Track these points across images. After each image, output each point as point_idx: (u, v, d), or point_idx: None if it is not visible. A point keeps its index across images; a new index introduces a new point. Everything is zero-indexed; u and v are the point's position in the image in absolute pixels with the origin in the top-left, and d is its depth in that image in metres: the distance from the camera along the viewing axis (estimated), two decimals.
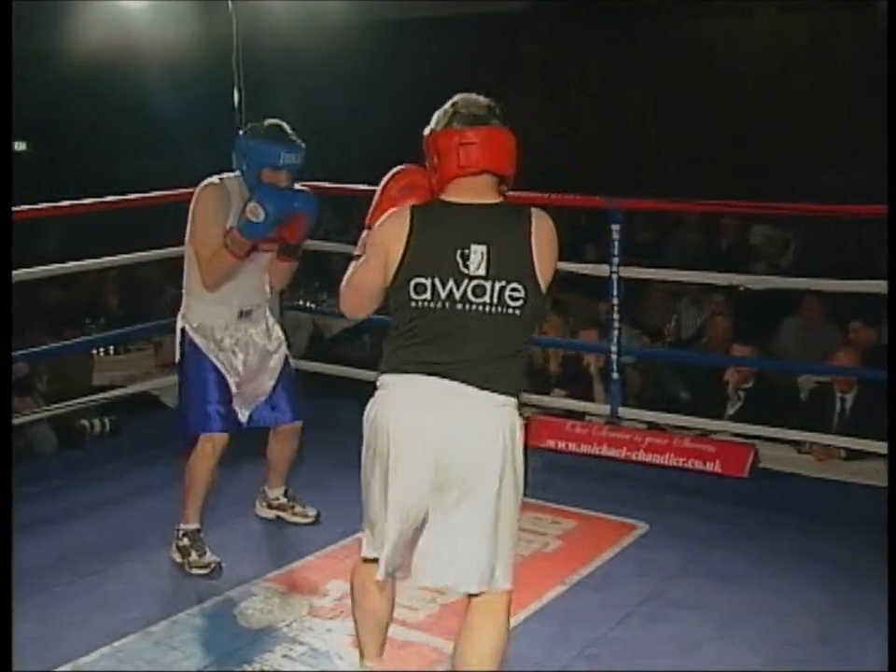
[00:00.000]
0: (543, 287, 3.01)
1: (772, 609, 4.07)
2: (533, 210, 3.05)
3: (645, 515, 4.91)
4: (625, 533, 4.75)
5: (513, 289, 2.95)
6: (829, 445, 5.57)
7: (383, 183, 3.25)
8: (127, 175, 12.27)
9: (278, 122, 4.33)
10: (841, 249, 9.19)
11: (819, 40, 11.74)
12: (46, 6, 12.46)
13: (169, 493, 5.03)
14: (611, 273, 5.70)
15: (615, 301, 5.73)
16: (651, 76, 12.63)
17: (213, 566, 4.34)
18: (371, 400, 3.11)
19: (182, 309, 4.47)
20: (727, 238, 10.10)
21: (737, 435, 5.71)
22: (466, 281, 2.95)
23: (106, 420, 6.17)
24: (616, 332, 5.78)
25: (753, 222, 10.02)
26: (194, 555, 4.37)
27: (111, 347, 7.55)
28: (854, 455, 5.51)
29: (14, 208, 5.65)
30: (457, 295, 2.95)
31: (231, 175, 4.36)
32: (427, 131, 3.10)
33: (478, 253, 2.95)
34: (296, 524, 4.85)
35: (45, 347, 6.30)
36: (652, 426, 5.94)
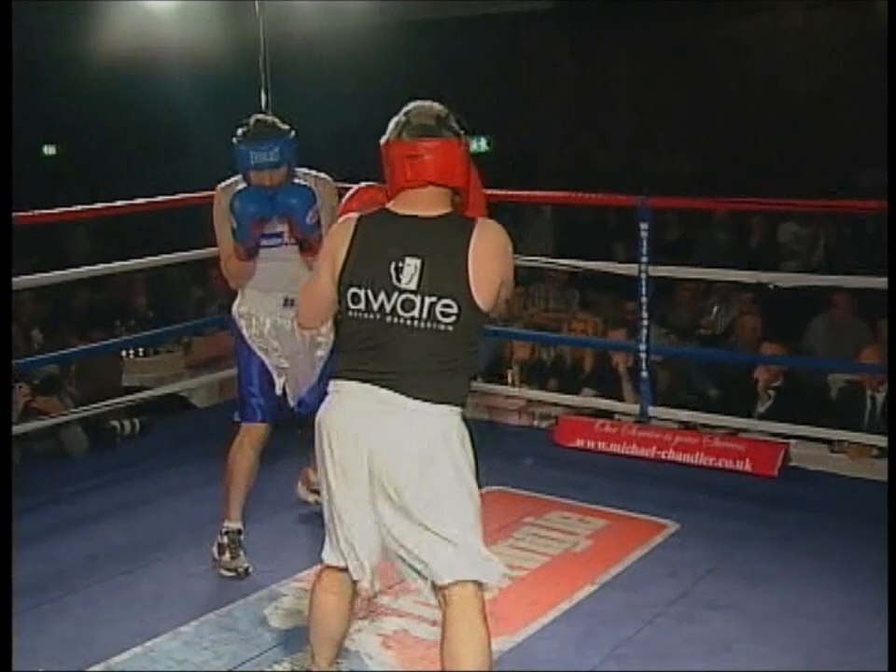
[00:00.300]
0: (482, 303, 2.95)
1: (803, 610, 4.04)
2: (479, 222, 3.00)
3: (675, 515, 4.89)
4: (655, 532, 4.74)
5: (445, 305, 2.92)
6: (860, 443, 5.53)
7: (342, 202, 3.30)
8: (154, 177, 12.31)
9: (260, 118, 4.29)
10: (875, 246, 9.13)
11: (852, 36, 11.67)
12: (73, 10, 12.55)
13: (199, 493, 5.07)
14: (640, 271, 5.68)
15: (644, 299, 5.71)
16: (681, 74, 12.59)
17: (240, 570, 4.35)
18: (322, 404, 3.13)
19: (237, 298, 4.53)
20: (756, 236, 10.06)
21: (768, 434, 5.68)
22: (396, 294, 2.94)
23: (137, 421, 6.21)
24: (645, 331, 5.76)
25: (782, 220, 9.97)
26: (227, 556, 4.38)
27: (140, 349, 7.59)
28: (886, 452, 5.47)
29: (43, 211, 5.74)
30: (388, 308, 2.95)
31: None
32: (382, 140, 3.08)
33: (411, 266, 2.93)
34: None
35: (74, 349, 6.34)
36: (682, 424, 5.91)
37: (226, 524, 4.41)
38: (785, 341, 6.58)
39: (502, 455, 5.68)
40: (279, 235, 4.33)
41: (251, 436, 4.42)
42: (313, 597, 3.24)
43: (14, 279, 6.51)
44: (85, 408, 5.85)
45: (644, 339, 5.78)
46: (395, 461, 2.94)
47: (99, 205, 5.89)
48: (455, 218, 3.01)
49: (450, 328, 2.92)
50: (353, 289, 2.99)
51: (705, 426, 5.86)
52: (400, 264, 2.94)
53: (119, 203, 5.93)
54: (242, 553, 4.39)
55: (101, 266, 6.06)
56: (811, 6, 11.99)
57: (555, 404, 6.40)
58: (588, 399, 6.37)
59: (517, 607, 4.08)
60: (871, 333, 6.93)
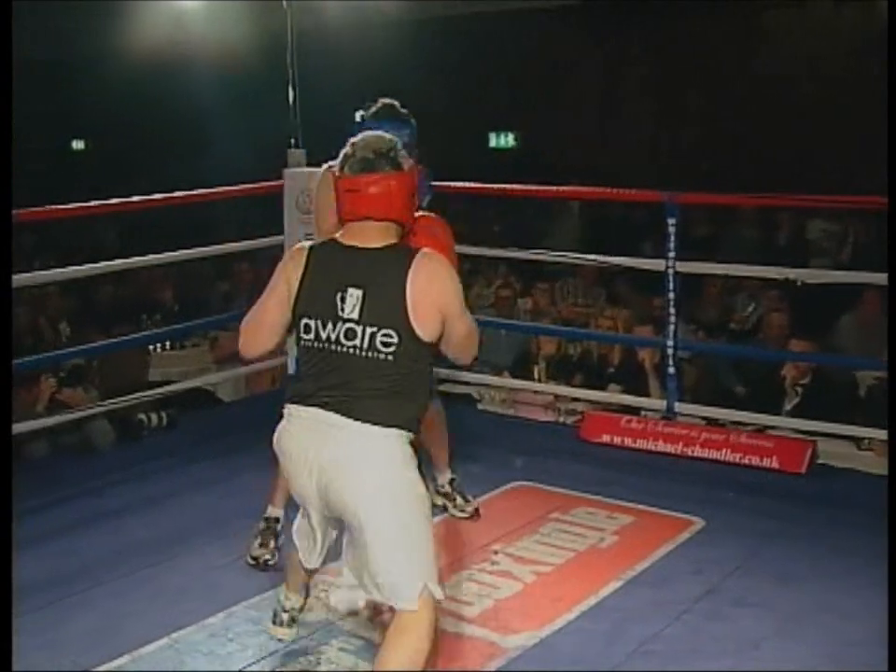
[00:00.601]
0: (423, 334, 3.01)
1: (831, 608, 4.01)
2: (420, 254, 3.05)
3: (701, 511, 4.86)
4: (682, 529, 4.71)
5: (385, 335, 3.00)
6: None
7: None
8: (181, 172, 12.36)
9: (388, 101, 4.36)
10: None
11: (881, 30, 11.57)
12: (103, 10, 12.62)
13: (224, 487, 5.08)
14: (667, 267, 5.66)
15: (671, 295, 5.68)
16: (708, 68, 12.53)
17: (261, 560, 4.33)
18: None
19: None
20: (784, 232, 10.00)
21: (795, 431, 5.64)
22: (340, 324, 3.03)
23: (163, 414, 6.22)
24: (672, 327, 5.74)
25: (811, 216, 9.91)
26: (256, 543, 4.37)
27: (167, 343, 7.61)
28: None
29: (71, 205, 5.76)
30: (332, 337, 3.04)
31: None
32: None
33: (354, 297, 3.02)
34: (454, 517, 4.84)
35: (102, 343, 6.36)
36: (709, 421, 5.89)
37: (268, 509, 4.40)
38: (813, 338, 6.53)
39: (528, 451, 5.67)
40: None
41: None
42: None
43: (41, 272, 6.60)
44: (111, 401, 5.87)
45: (671, 335, 5.76)
46: (339, 479, 3.03)
47: (118, 200, 5.90)
48: (398, 250, 3.08)
49: (390, 357, 3.00)
50: (304, 319, 3.10)
51: (732, 422, 5.83)
52: (344, 294, 3.03)
53: (143, 197, 5.95)
54: (272, 542, 4.36)
55: (119, 261, 6.09)
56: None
57: (582, 400, 6.38)
58: (614, 395, 6.36)
59: (542, 602, 4.07)
60: None
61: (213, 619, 3.95)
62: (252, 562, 4.35)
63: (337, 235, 3.15)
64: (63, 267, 6.09)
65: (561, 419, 6.46)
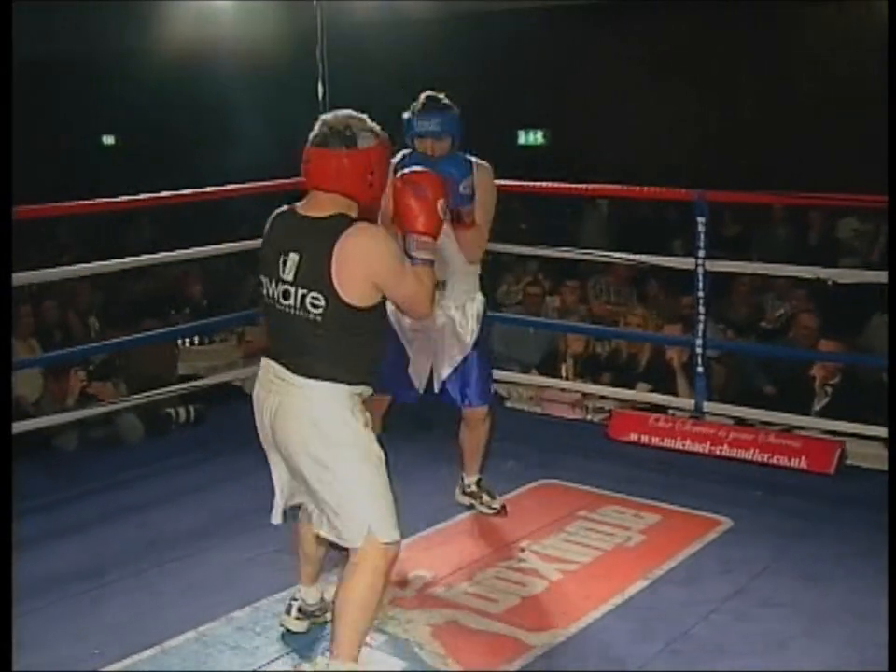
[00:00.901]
0: (350, 299, 3.19)
1: (858, 609, 3.99)
2: (354, 226, 3.20)
3: (729, 511, 4.84)
4: (709, 528, 4.69)
5: (314, 297, 3.22)
6: None
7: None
8: (211, 168, 12.41)
9: (430, 94, 4.47)
10: None
11: None
12: (134, 8, 12.70)
13: (251, 481, 5.03)
14: (697, 266, 5.64)
15: (700, 294, 5.66)
16: (740, 66, 12.47)
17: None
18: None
19: None
20: (815, 232, 9.94)
21: (824, 431, 5.61)
22: (280, 284, 3.29)
23: (191, 409, 6.25)
24: (701, 326, 5.71)
25: (841, 216, 9.84)
26: None
27: (195, 338, 7.63)
28: None
29: (99, 200, 5.79)
30: (276, 296, 3.31)
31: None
32: None
33: (292, 260, 3.25)
34: (482, 513, 4.87)
35: (131, 337, 6.38)
36: (737, 420, 5.86)
37: None
38: (843, 338, 6.49)
39: (555, 449, 5.67)
40: None
41: (369, 404, 4.52)
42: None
43: (71, 267, 6.64)
44: (140, 395, 5.89)
45: (700, 334, 5.73)
46: (283, 429, 3.30)
47: (146, 196, 5.93)
48: (338, 221, 3.22)
49: (318, 318, 3.23)
50: (261, 277, 3.37)
51: (760, 422, 5.80)
52: (285, 258, 3.27)
53: (172, 193, 5.97)
54: None
55: (146, 257, 6.11)
56: None
57: (609, 398, 6.36)
58: (642, 394, 6.33)
59: (569, 600, 4.07)
60: None
61: (239, 612, 3.97)
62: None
63: (298, 204, 3.37)
64: (95, 261, 6.11)
65: (588, 417, 6.45)
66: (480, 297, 4.67)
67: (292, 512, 3.60)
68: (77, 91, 16.11)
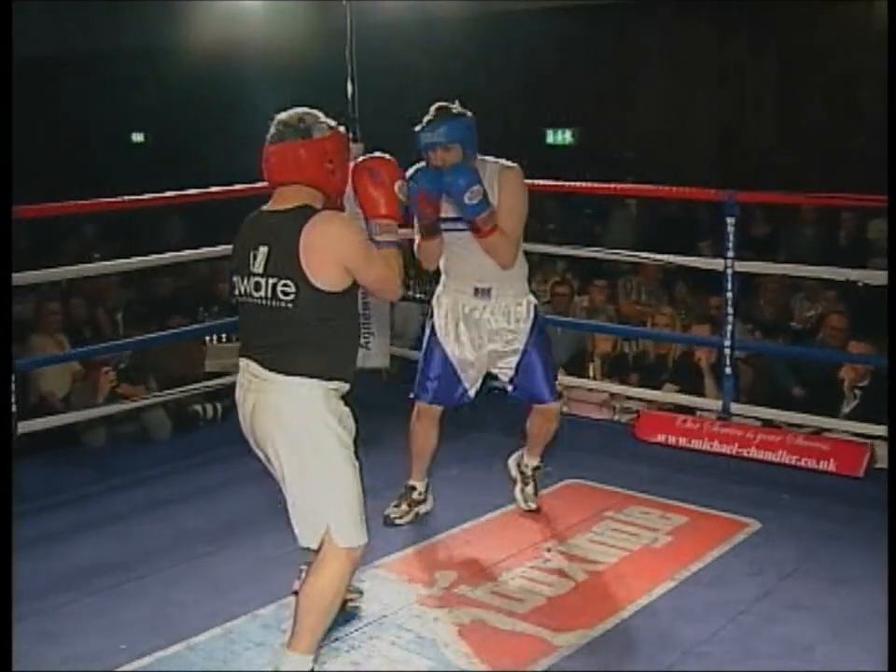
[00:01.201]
0: (321, 283, 3.25)
1: (887, 613, 3.95)
2: (318, 214, 3.27)
3: (757, 513, 4.82)
4: (737, 530, 4.67)
5: (284, 285, 3.26)
6: None
7: None
8: (240, 166, 12.45)
9: (440, 104, 4.41)
10: None
11: None
12: (165, 6, 12.76)
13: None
14: (726, 266, 5.61)
15: (729, 295, 5.63)
16: (769, 64, 12.41)
17: (389, 518, 4.74)
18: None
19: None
20: (845, 232, 9.88)
21: (853, 434, 5.57)
22: (250, 278, 3.33)
23: (218, 406, 6.28)
24: (730, 327, 5.69)
25: (872, 216, 9.77)
26: (392, 504, 4.78)
27: (223, 335, 7.65)
28: None
29: (129, 197, 5.82)
30: (247, 290, 3.35)
31: None
32: None
33: (262, 253, 3.30)
34: (517, 503, 4.91)
35: (159, 334, 6.41)
36: (765, 422, 5.83)
37: (411, 479, 4.82)
38: (873, 339, 6.45)
39: (582, 449, 5.66)
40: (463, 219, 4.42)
41: (422, 414, 4.73)
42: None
43: (99, 264, 6.68)
44: (168, 392, 5.92)
45: (728, 335, 5.71)
46: (261, 427, 3.35)
47: (172, 193, 5.96)
48: (303, 211, 3.29)
49: (290, 304, 3.26)
50: (233, 276, 3.43)
51: (788, 424, 5.77)
52: (255, 252, 3.32)
53: (201, 190, 6.00)
54: (404, 504, 4.77)
55: (170, 254, 6.14)
56: None
57: (637, 398, 6.35)
58: (670, 395, 6.31)
59: (595, 601, 4.06)
60: None
61: (265, 610, 3.98)
62: (383, 518, 4.69)
63: (265, 205, 3.44)
64: (126, 258, 6.14)
65: (616, 417, 6.43)
66: (528, 299, 4.64)
67: None
68: (107, 88, 16.19)
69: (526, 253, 4.72)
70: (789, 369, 6.73)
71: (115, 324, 8.05)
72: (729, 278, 5.61)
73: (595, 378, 6.83)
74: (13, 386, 5.13)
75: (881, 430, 5.39)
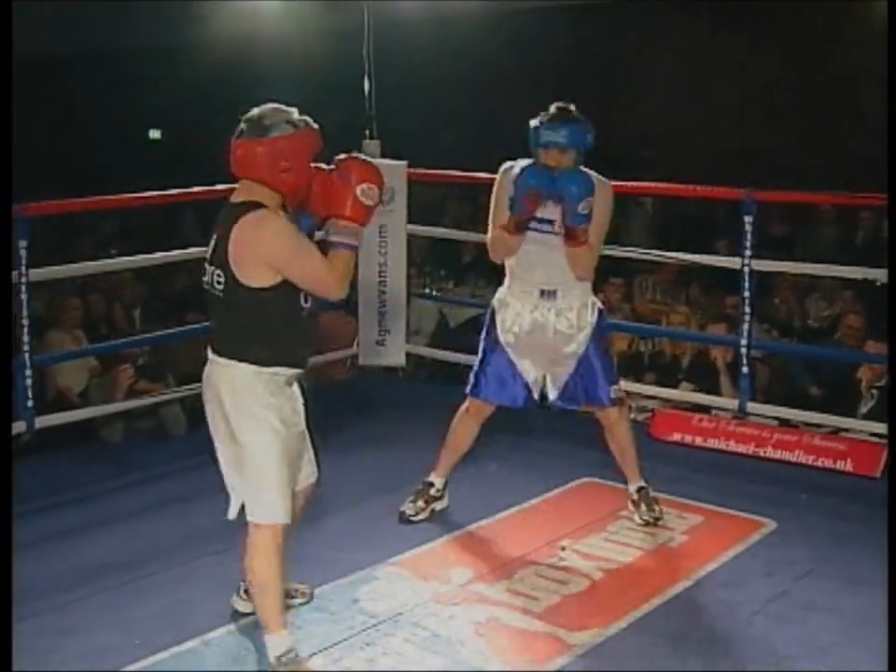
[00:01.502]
0: (244, 278, 3.38)
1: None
2: (253, 212, 3.38)
3: (773, 513, 4.81)
4: (753, 530, 4.66)
5: (217, 274, 3.46)
6: None
7: None
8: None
9: (561, 105, 4.44)
10: None
11: None
12: (184, 6, 12.77)
13: None
14: (743, 265, 5.59)
15: (746, 294, 5.61)
16: (789, 64, 12.37)
17: (405, 515, 4.74)
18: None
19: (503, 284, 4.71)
20: (863, 231, 9.83)
21: (870, 434, 5.55)
22: (205, 264, 3.53)
23: None
24: (746, 326, 5.67)
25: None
26: (407, 500, 4.78)
27: None
28: None
29: (145, 194, 5.84)
30: (204, 277, 3.55)
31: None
32: None
33: (212, 242, 3.49)
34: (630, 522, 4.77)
35: (175, 330, 6.41)
36: (782, 422, 5.81)
37: (431, 475, 4.79)
38: (891, 339, 6.41)
39: (598, 447, 5.63)
40: (551, 223, 4.42)
41: (472, 409, 4.72)
42: None
43: (116, 260, 6.69)
44: (185, 388, 5.93)
45: (745, 334, 5.69)
46: (207, 403, 3.58)
47: (197, 189, 5.97)
48: (245, 206, 3.42)
49: (221, 293, 3.46)
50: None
51: (805, 424, 5.75)
52: (212, 241, 3.50)
53: (220, 187, 5.99)
54: (421, 501, 4.76)
55: (191, 250, 6.13)
56: None
57: (652, 397, 6.33)
58: (686, 394, 6.29)
59: (610, 600, 4.06)
60: None
61: None
62: (398, 515, 4.73)
63: None
64: (144, 254, 6.16)
65: (631, 416, 6.40)
66: (592, 300, 4.61)
67: None
68: (125, 87, 16.22)
69: None
70: (805, 368, 6.70)
71: (131, 320, 8.06)
72: (746, 277, 5.60)
73: None
74: (29, 381, 5.17)
75: None
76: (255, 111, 3.48)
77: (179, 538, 4.62)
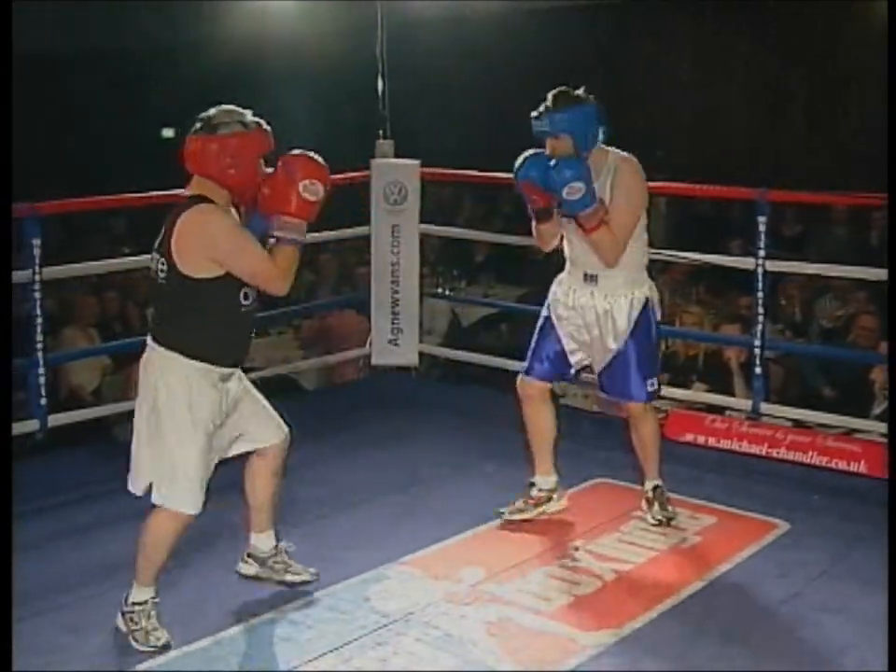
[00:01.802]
0: (184, 268, 3.53)
1: None
2: (197, 206, 3.53)
3: (786, 514, 4.79)
4: (766, 531, 4.64)
5: (161, 263, 3.60)
6: None
7: None
8: (270, 163, 12.48)
9: (562, 90, 4.36)
10: None
11: None
12: (196, 6, 12.80)
13: (305, 474, 5.09)
14: (757, 266, 5.58)
15: (759, 294, 5.60)
16: (803, 63, 12.33)
17: (499, 513, 4.70)
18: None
19: None
20: (877, 232, 9.79)
21: (884, 435, 5.53)
22: (153, 253, 3.66)
23: None
24: (760, 326, 5.65)
25: None
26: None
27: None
28: None
29: (157, 192, 5.85)
30: (150, 266, 3.69)
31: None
32: None
33: (162, 233, 3.60)
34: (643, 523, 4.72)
35: None
36: (795, 422, 5.79)
37: (534, 476, 4.75)
38: (891, 339, 6.38)
39: (610, 448, 5.63)
40: None
41: (531, 396, 4.68)
42: None
43: (128, 258, 6.70)
44: None
45: (759, 334, 5.67)
46: (140, 389, 3.72)
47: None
48: (192, 200, 3.58)
49: (163, 281, 3.60)
50: None
51: (818, 425, 5.73)
52: (161, 233, 3.61)
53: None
54: (519, 502, 4.71)
55: None
56: None
57: (665, 398, 6.31)
58: (699, 394, 6.28)
59: (622, 600, 4.05)
60: None
61: (291, 605, 3.98)
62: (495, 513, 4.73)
63: None
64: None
65: None
66: (639, 291, 4.50)
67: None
68: (139, 84, 16.25)
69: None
70: (819, 369, 6.68)
71: (144, 318, 8.07)
72: (760, 277, 5.59)
73: None
74: (42, 380, 5.18)
75: None
76: (210, 111, 3.64)
77: (192, 535, 4.60)
